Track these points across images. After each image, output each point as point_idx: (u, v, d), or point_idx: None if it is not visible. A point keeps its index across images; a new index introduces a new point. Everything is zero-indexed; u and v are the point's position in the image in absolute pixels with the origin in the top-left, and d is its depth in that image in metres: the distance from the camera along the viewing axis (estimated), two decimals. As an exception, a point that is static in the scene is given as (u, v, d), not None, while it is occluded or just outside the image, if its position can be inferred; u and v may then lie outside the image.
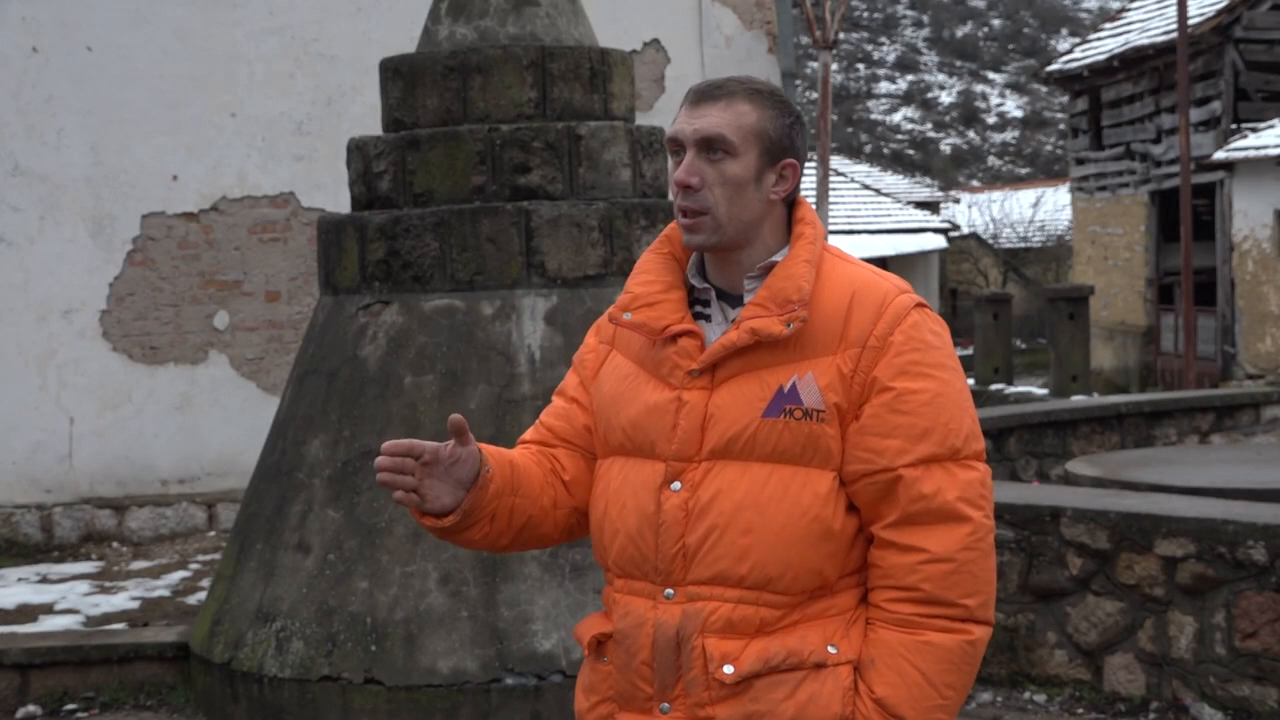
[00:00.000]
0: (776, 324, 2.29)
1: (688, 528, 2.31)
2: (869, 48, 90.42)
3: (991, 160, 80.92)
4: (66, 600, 7.74)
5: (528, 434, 2.60)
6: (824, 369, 2.30)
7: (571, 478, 2.52)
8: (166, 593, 7.88)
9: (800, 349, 2.31)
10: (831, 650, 2.29)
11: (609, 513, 2.41)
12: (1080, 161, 28.30)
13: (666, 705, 2.32)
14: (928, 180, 49.17)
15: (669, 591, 2.32)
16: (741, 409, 2.31)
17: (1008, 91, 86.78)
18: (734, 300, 2.40)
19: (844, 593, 2.34)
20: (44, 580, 8.42)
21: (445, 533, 2.41)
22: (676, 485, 2.32)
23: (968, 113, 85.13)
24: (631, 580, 2.37)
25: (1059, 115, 66.61)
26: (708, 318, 2.41)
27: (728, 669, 2.27)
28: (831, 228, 26.13)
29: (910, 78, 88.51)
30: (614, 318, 2.45)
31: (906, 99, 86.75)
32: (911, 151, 78.75)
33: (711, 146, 2.32)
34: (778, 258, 2.37)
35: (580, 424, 2.52)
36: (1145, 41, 24.56)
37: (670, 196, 2.45)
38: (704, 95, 2.34)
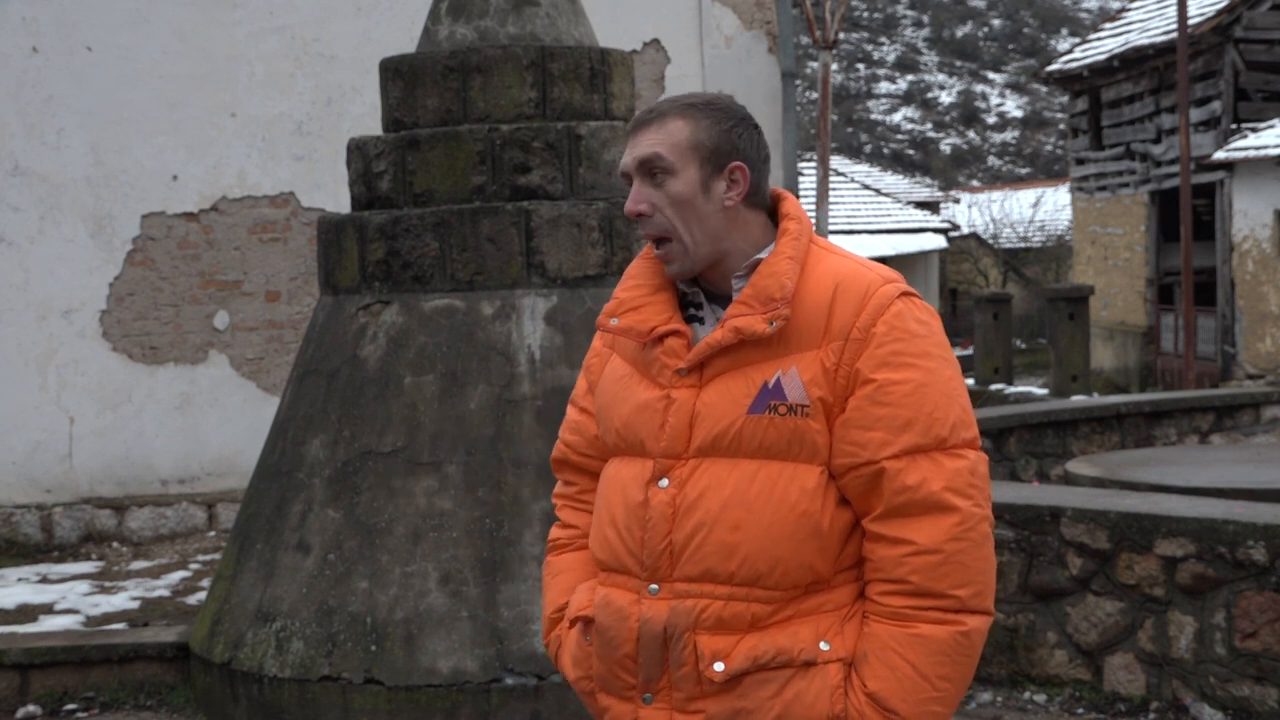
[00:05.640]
0: (759, 322, 2.29)
1: (675, 524, 2.31)
2: (869, 48, 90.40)
3: (991, 160, 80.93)
4: (66, 600, 7.74)
5: (555, 451, 2.64)
6: (808, 363, 2.30)
7: None
8: (166, 593, 7.88)
9: (785, 344, 2.31)
10: (824, 647, 2.28)
11: (599, 508, 2.45)
12: (1080, 161, 28.31)
13: (649, 696, 2.34)
14: (928, 180, 49.21)
15: (653, 587, 2.32)
16: (728, 406, 2.31)
17: (1008, 91, 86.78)
18: (724, 300, 2.40)
19: (840, 588, 2.33)
20: (44, 580, 8.42)
21: None
22: (664, 482, 2.34)
23: (968, 113, 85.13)
24: (613, 574, 2.39)
25: (1059, 115, 66.61)
26: (701, 320, 2.42)
27: (718, 666, 2.28)
28: (831, 228, 26.12)
29: (910, 78, 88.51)
30: (601, 325, 2.46)
31: (906, 99, 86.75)
32: (911, 151, 78.77)
33: (650, 170, 2.33)
34: (763, 255, 2.37)
35: (591, 434, 2.56)
36: (1145, 41, 24.57)
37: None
38: (639, 122, 2.36)
